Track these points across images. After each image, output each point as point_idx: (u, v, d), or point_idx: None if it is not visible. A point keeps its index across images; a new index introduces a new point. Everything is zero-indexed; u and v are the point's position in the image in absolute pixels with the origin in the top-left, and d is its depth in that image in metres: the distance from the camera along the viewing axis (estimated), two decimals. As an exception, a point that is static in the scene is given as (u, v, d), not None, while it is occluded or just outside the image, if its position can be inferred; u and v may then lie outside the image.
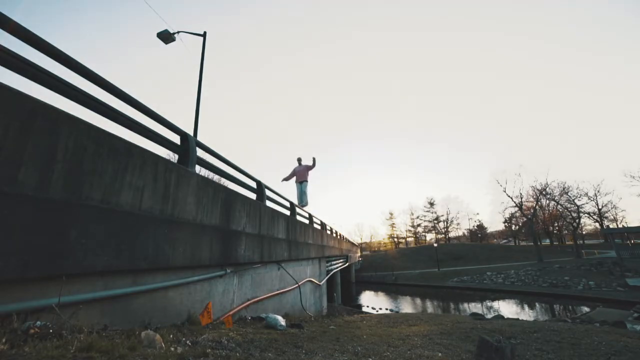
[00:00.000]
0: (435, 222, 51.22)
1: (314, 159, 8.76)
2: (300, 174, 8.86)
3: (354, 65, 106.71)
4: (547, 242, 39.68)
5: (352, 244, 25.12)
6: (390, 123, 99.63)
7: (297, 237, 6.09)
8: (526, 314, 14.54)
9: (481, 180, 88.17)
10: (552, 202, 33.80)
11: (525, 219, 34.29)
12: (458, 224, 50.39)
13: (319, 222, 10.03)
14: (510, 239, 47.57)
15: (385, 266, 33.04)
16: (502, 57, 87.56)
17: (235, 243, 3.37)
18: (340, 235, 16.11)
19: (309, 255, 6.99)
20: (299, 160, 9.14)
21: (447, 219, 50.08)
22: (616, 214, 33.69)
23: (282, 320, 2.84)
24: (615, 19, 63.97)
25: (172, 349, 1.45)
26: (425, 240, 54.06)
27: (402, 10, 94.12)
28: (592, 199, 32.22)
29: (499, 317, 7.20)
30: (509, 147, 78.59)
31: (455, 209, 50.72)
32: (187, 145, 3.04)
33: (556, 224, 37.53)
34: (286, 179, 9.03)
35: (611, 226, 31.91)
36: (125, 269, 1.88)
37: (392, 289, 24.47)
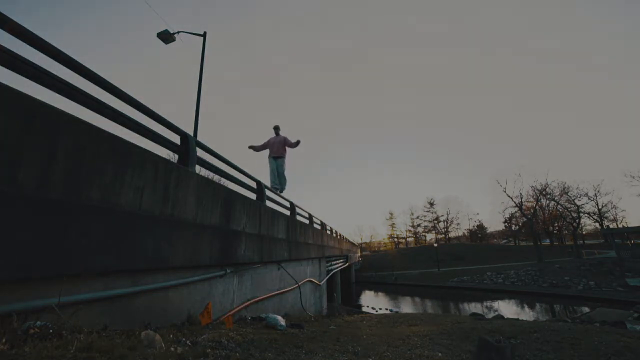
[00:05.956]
0: (435, 222, 51.27)
1: (298, 141, 6.92)
2: (276, 147, 7.00)
3: (353, 65, 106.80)
4: (547, 242, 39.67)
5: (352, 244, 25.12)
6: (390, 123, 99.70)
7: (297, 237, 6.09)
8: (526, 314, 14.54)
9: (481, 181, 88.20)
10: (552, 202, 33.82)
11: (525, 219, 34.29)
12: (458, 224, 50.47)
13: (319, 222, 10.02)
14: (510, 239, 47.55)
15: (385, 266, 33.05)
16: (502, 56, 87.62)
17: (235, 243, 3.37)
18: (340, 235, 16.11)
19: (309, 255, 6.99)
20: (276, 129, 7.17)
21: (447, 219, 50.13)
22: (616, 214, 33.73)
23: (282, 320, 2.84)
24: (615, 18, 64.04)
25: (172, 349, 1.45)
26: (425, 240, 54.06)
27: (402, 9, 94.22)
28: (592, 199, 32.25)
29: (499, 317, 7.19)
30: (509, 147, 78.66)
31: (455, 209, 50.94)
32: (187, 145, 3.04)
33: (556, 224, 37.52)
34: (254, 149, 7.08)
35: (611, 226, 31.88)
36: (125, 269, 1.88)
37: (392, 289, 24.48)
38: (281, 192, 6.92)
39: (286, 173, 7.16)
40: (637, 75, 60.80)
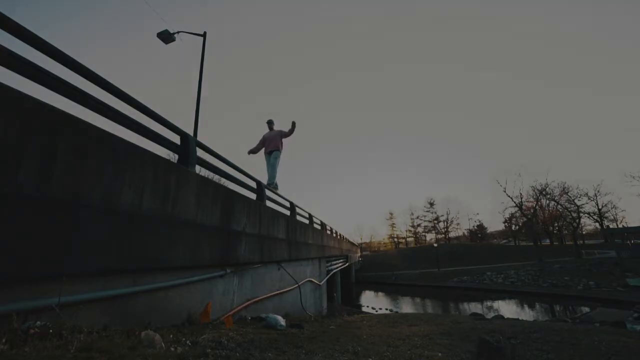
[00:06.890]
0: (435, 222, 51.25)
1: (293, 124, 6.55)
2: (271, 142, 6.67)
3: (353, 64, 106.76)
4: (547, 242, 39.64)
5: (352, 244, 25.12)
6: (390, 123, 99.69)
7: (297, 237, 6.09)
8: (526, 314, 14.54)
9: (481, 181, 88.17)
10: (552, 202, 33.84)
11: (525, 219, 34.31)
12: (458, 224, 50.44)
13: (319, 222, 10.02)
14: (510, 239, 47.52)
15: (386, 266, 33.04)
16: (502, 56, 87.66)
17: (235, 243, 3.37)
18: (340, 235, 16.11)
19: (309, 255, 6.99)
20: (270, 123, 6.87)
21: (447, 219, 50.10)
22: (616, 214, 33.66)
23: (282, 320, 2.84)
24: (614, 18, 64.04)
25: (172, 349, 1.45)
26: (425, 240, 54.07)
27: (402, 8, 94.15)
28: (592, 199, 32.22)
29: (499, 317, 7.20)
30: (509, 147, 78.63)
31: (455, 209, 50.85)
32: (187, 145, 3.04)
33: (556, 224, 37.50)
34: (253, 151, 6.88)
35: (611, 226, 31.86)
36: (125, 269, 1.88)
37: (392, 289, 24.48)
38: (271, 185, 6.48)
39: (279, 167, 6.81)
40: (638, 75, 60.82)
